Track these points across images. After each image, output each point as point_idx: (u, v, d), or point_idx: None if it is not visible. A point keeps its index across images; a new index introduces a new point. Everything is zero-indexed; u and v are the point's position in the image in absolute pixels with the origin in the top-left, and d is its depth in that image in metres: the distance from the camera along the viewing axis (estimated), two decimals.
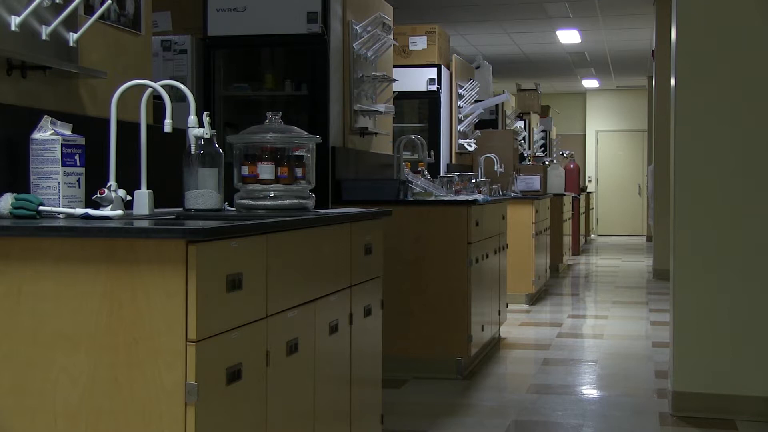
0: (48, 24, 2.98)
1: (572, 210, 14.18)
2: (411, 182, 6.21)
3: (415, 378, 5.57)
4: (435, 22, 11.25)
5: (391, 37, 6.62)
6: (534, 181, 10.15)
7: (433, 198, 6.04)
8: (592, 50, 16.01)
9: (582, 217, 16.02)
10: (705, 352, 4.68)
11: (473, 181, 7.04)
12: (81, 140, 2.83)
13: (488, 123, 10.93)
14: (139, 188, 3.24)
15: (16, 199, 2.58)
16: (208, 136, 3.28)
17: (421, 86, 8.48)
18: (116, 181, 2.99)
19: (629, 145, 21.19)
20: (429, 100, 8.59)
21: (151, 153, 3.33)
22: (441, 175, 7.66)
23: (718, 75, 4.69)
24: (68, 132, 2.81)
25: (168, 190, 3.57)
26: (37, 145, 2.77)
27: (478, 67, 9.79)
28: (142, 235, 2.22)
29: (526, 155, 12.16)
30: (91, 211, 2.64)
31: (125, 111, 3.53)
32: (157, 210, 3.28)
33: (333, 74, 5.70)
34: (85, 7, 3.27)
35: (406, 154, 7.39)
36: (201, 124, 3.28)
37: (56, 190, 2.75)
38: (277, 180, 3.27)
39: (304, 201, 3.30)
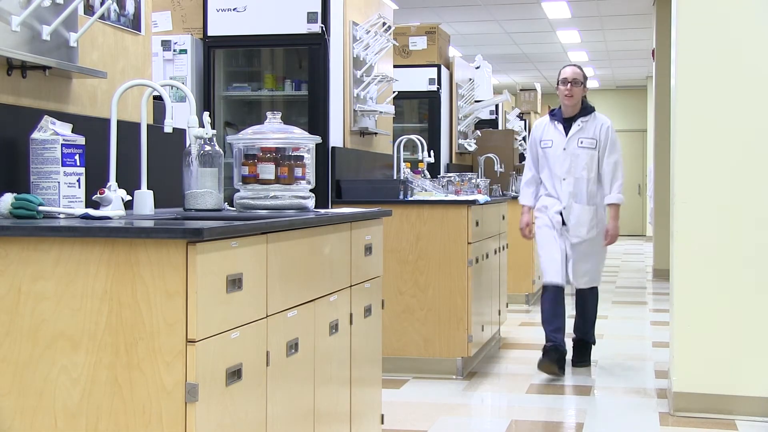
0: (48, 24, 2.98)
1: None
2: (411, 182, 6.21)
3: (415, 378, 5.57)
4: (435, 21, 11.26)
5: (391, 37, 6.62)
6: None
7: (433, 198, 6.04)
8: (592, 50, 16.01)
9: None
10: (705, 352, 4.68)
11: (473, 181, 7.04)
12: (81, 140, 2.83)
13: (488, 123, 10.92)
14: (139, 188, 3.24)
15: (16, 199, 2.58)
16: (208, 136, 3.28)
17: (421, 86, 8.48)
18: (116, 181, 2.99)
19: (629, 145, 21.16)
20: (429, 100, 8.59)
21: (151, 153, 3.34)
22: (441, 175, 7.66)
23: (718, 75, 4.69)
24: (68, 132, 2.81)
25: (168, 190, 3.57)
26: (37, 145, 2.77)
27: (478, 67, 9.79)
28: (142, 235, 2.22)
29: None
30: (91, 211, 2.64)
31: (125, 111, 3.54)
32: (157, 210, 3.28)
33: (333, 74, 5.70)
34: (85, 7, 3.27)
35: (406, 154, 7.39)
36: (201, 124, 3.28)
37: (56, 190, 2.75)
38: (277, 180, 3.27)
39: (304, 201, 3.29)
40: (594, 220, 5.68)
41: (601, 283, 5.93)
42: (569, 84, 5.69)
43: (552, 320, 5.62)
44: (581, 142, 5.66)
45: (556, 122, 5.76)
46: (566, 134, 5.69)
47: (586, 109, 5.76)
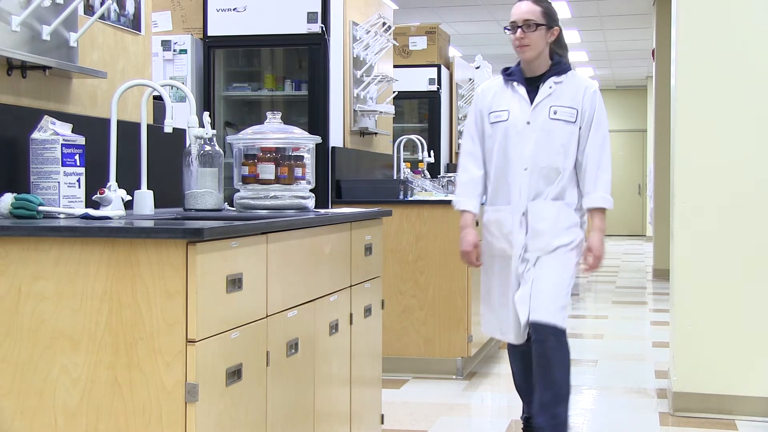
0: (48, 24, 2.98)
1: None
2: (411, 182, 6.21)
3: (415, 378, 5.57)
4: (435, 21, 11.26)
5: (391, 37, 6.62)
6: None
7: (433, 198, 6.04)
8: (592, 50, 16.01)
9: None
10: (705, 352, 4.68)
11: None
12: (81, 140, 2.83)
13: None
14: (139, 188, 3.25)
15: (16, 199, 2.58)
16: (208, 136, 3.28)
17: (421, 86, 8.48)
18: (116, 181, 2.99)
19: (629, 145, 21.19)
20: (429, 100, 8.60)
21: (151, 153, 3.34)
22: (441, 175, 7.66)
23: (718, 75, 4.69)
24: (68, 132, 2.81)
25: (168, 190, 3.57)
26: (37, 145, 2.77)
27: (478, 67, 9.80)
28: (142, 235, 2.22)
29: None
30: (91, 211, 2.64)
31: (125, 111, 3.54)
32: (157, 210, 3.28)
33: (333, 74, 5.70)
34: (85, 7, 3.28)
35: (406, 154, 7.39)
36: (201, 124, 3.28)
37: (56, 190, 2.75)
38: (277, 180, 3.27)
39: (304, 201, 3.30)
40: (562, 221, 3.70)
41: (566, 324, 3.68)
42: (519, 29, 3.71)
43: (528, 389, 3.86)
44: (554, 112, 3.68)
45: (514, 84, 3.76)
46: (531, 101, 3.71)
47: (559, 65, 3.76)
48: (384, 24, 6.43)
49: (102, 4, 3.31)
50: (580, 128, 3.72)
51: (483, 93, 3.86)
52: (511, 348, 3.92)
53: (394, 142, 6.92)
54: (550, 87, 3.72)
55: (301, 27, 5.64)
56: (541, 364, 3.66)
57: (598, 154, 3.72)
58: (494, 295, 3.88)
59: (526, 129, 3.69)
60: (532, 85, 3.75)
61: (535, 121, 3.69)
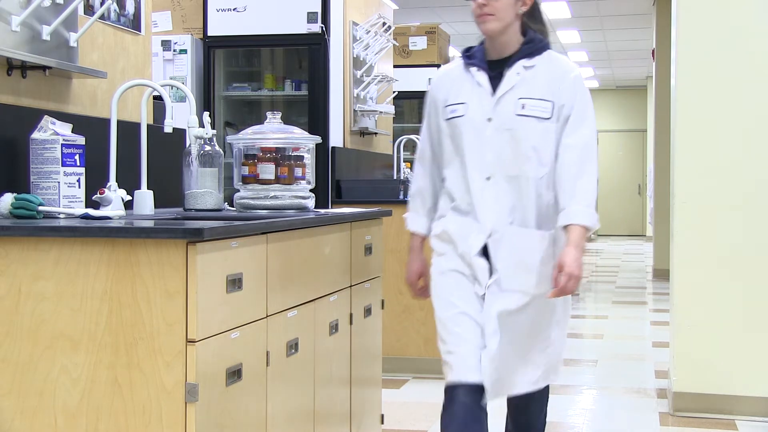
0: (48, 24, 2.98)
1: None
2: (411, 182, 6.21)
3: (415, 378, 5.57)
4: (435, 21, 11.26)
5: (391, 37, 6.62)
6: None
7: None
8: (592, 50, 16.01)
9: None
10: (705, 352, 4.68)
11: None
12: (81, 140, 2.83)
13: None
14: (139, 188, 3.25)
15: (16, 199, 2.58)
16: (208, 136, 3.28)
17: (421, 86, 8.47)
18: (116, 181, 2.99)
19: (629, 145, 21.20)
20: None
21: (151, 153, 3.34)
22: None
23: (718, 75, 4.69)
24: (68, 132, 2.81)
25: (168, 190, 3.58)
26: (37, 145, 2.77)
27: None
28: (142, 235, 2.22)
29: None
30: (91, 211, 2.64)
31: (125, 111, 3.54)
32: (157, 210, 3.28)
33: (333, 74, 5.70)
34: (85, 7, 3.28)
35: (406, 154, 7.39)
36: (201, 124, 3.28)
37: (56, 190, 2.75)
38: (277, 180, 3.27)
39: (304, 201, 3.30)
40: (552, 258, 2.87)
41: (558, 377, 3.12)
42: None
43: None
44: (522, 107, 2.84)
45: (474, 69, 2.92)
46: (493, 90, 2.88)
47: (532, 44, 2.91)
48: (384, 24, 6.42)
49: (102, 4, 3.31)
50: (559, 125, 2.88)
51: (439, 80, 3.03)
52: (449, 402, 3.10)
53: (394, 142, 6.92)
54: (518, 73, 2.87)
55: (301, 27, 5.64)
56: (516, 411, 3.18)
57: (578, 156, 2.84)
58: (451, 323, 3.03)
59: (486, 127, 2.86)
60: (497, 71, 2.90)
61: (499, 117, 2.85)
